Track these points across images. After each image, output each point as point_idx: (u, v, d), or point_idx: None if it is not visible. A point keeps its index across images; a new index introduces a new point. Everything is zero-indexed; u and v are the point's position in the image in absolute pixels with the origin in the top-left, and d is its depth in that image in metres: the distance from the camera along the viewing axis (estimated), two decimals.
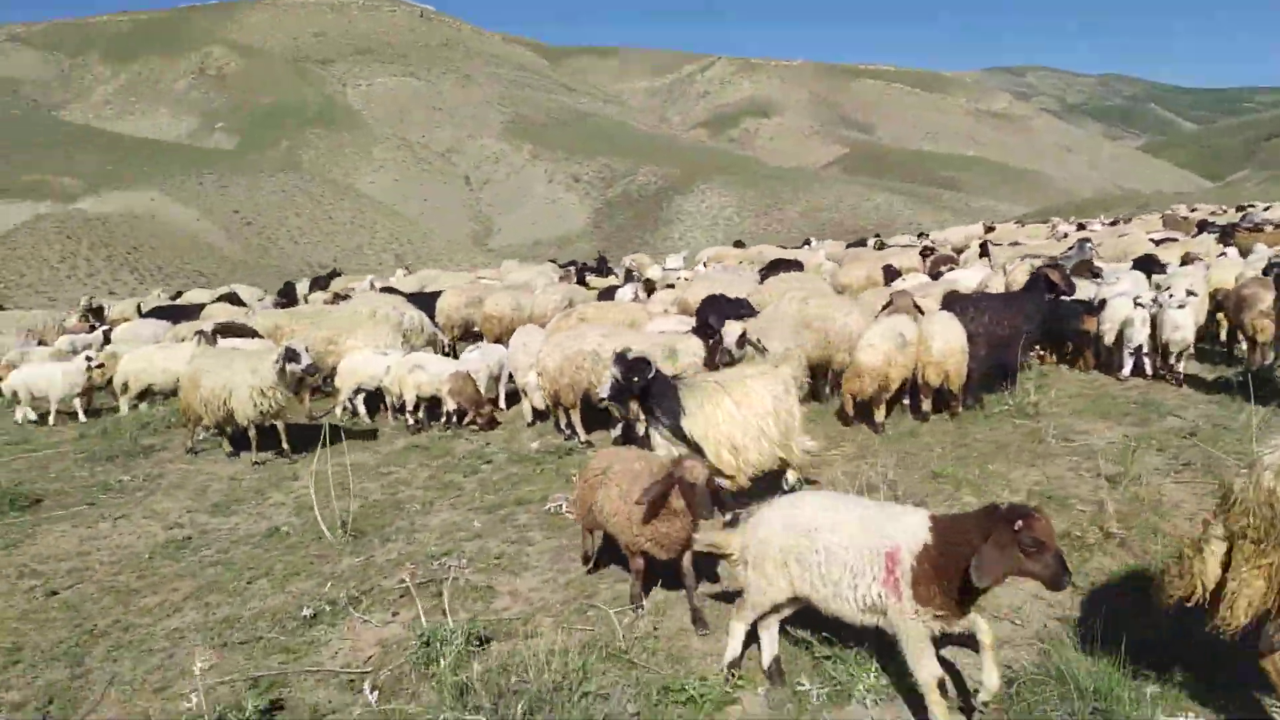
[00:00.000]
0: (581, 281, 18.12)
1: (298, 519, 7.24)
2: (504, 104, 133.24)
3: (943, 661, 3.79)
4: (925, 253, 17.03)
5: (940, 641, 3.73)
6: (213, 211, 79.90)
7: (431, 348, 13.39)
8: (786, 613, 4.13)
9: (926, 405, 8.64)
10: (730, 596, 4.90)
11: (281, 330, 12.55)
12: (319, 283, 22.53)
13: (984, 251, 16.82)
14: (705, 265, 23.41)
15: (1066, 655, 3.94)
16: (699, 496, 4.36)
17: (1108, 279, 11.37)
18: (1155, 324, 9.24)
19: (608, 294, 16.22)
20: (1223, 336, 10.61)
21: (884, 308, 9.08)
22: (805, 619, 4.59)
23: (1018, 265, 12.47)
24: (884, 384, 8.28)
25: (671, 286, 15.97)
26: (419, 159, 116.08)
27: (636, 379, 5.87)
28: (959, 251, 19.79)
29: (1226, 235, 15.46)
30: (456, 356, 12.01)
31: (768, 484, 6.32)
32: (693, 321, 9.75)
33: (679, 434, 5.71)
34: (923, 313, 8.98)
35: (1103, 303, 9.89)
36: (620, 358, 6.00)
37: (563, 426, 9.12)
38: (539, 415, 9.74)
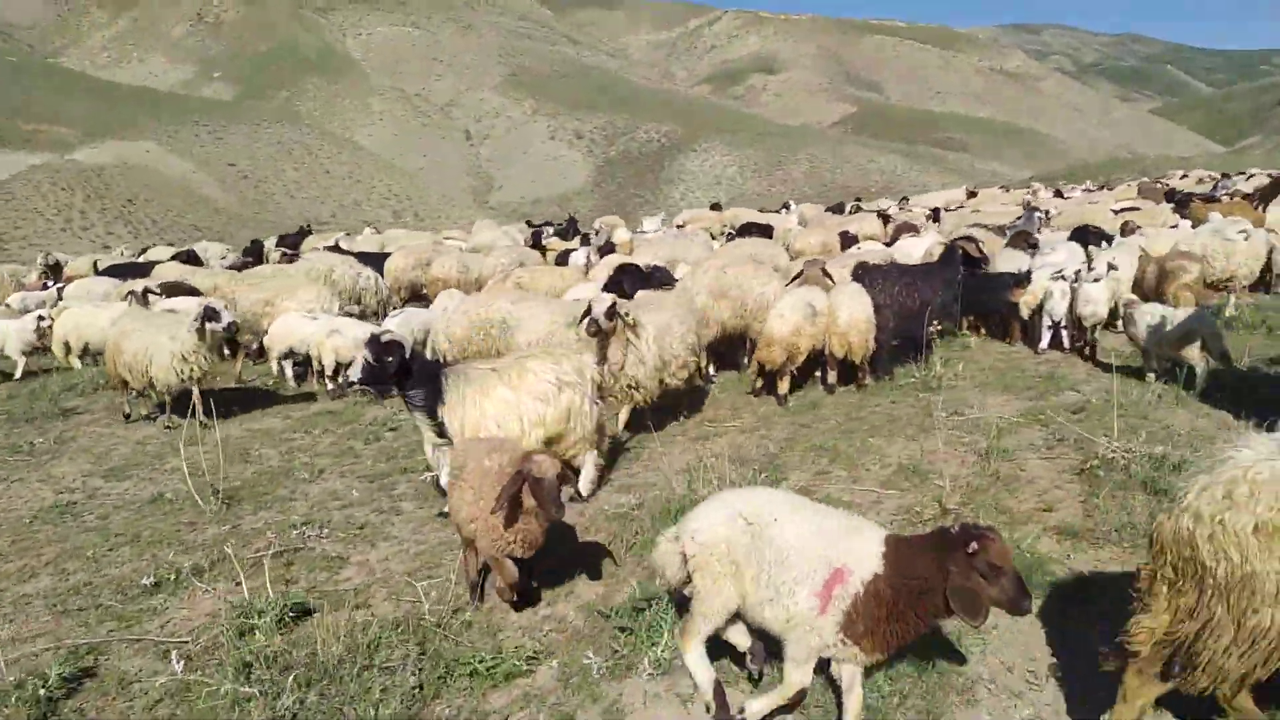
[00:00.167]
0: (537, 244, 17.95)
1: (185, 486, 7.26)
2: (505, 55, 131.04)
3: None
4: (885, 218, 16.84)
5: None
6: (209, 163, 79.40)
7: (384, 309, 13.40)
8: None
9: (832, 377, 8.62)
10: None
11: (220, 291, 12.51)
12: (285, 240, 22.34)
13: (935, 218, 16.63)
14: (681, 228, 23.28)
15: None
16: (547, 493, 4.13)
17: (1043, 250, 11.29)
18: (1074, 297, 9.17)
19: (564, 258, 16.14)
20: None
21: (794, 278, 9.00)
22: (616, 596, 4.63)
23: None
24: (793, 354, 8.28)
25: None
26: (418, 111, 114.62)
27: (390, 361, 5.51)
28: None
29: (1182, 206, 15.24)
30: None
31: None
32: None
33: (438, 424, 5.58)
34: (835, 282, 8.91)
35: (1029, 274, 9.82)
36: (373, 340, 5.59)
37: None
38: None
